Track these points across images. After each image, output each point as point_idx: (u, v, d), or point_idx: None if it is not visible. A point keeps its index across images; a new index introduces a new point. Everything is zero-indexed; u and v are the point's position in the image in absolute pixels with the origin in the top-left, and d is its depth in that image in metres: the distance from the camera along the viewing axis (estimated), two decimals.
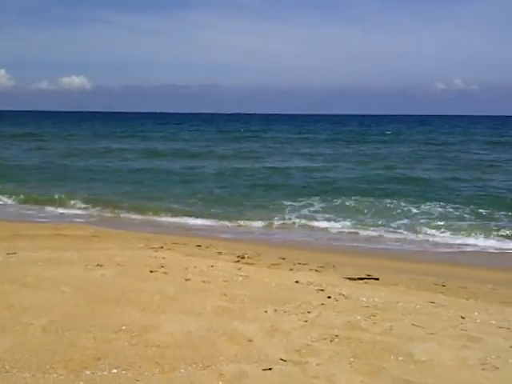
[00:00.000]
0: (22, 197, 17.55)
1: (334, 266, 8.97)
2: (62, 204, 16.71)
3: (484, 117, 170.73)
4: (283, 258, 9.42)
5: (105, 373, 3.90)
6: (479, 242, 12.40)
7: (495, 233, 12.98)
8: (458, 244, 12.32)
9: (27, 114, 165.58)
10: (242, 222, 14.34)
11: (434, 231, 13.31)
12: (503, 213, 15.31)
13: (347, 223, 14.09)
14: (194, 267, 7.43)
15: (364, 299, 6.17)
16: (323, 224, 14.12)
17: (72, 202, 16.86)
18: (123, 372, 3.92)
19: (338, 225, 14.04)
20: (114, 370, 3.93)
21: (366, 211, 15.72)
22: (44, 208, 16.18)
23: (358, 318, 5.33)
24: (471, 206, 16.13)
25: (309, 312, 5.45)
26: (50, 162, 28.92)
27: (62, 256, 7.84)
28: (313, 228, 13.90)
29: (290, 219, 14.69)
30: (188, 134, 57.90)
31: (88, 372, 3.90)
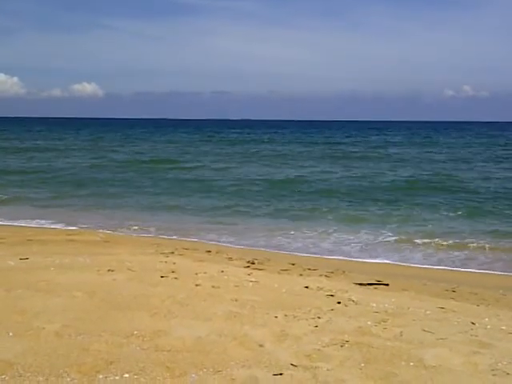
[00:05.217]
0: None
1: (343, 272, 8.98)
2: None
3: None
4: (293, 264, 9.44)
5: (117, 377, 3.93)
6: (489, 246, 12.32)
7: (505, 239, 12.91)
8: (468, 249, 12.25)
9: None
10: None
11: (443, 236, 13.24)
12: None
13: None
14: (205, 272, 7.46)
15: (374, 305, 6.17)
16: None
17: None
18: (135, 376, 3.94)
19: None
20: (126, 375, 3.96)
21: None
22: None
23: (369, 323, 5.34)
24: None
25: (319, 317, 5.46)
26: None
27: (74, 261, 7.91)
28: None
29: None
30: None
31: (101, 376, 3.93)
